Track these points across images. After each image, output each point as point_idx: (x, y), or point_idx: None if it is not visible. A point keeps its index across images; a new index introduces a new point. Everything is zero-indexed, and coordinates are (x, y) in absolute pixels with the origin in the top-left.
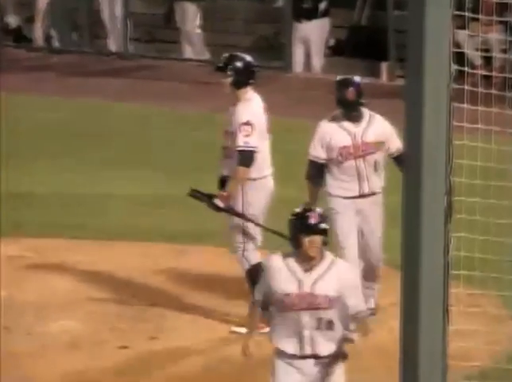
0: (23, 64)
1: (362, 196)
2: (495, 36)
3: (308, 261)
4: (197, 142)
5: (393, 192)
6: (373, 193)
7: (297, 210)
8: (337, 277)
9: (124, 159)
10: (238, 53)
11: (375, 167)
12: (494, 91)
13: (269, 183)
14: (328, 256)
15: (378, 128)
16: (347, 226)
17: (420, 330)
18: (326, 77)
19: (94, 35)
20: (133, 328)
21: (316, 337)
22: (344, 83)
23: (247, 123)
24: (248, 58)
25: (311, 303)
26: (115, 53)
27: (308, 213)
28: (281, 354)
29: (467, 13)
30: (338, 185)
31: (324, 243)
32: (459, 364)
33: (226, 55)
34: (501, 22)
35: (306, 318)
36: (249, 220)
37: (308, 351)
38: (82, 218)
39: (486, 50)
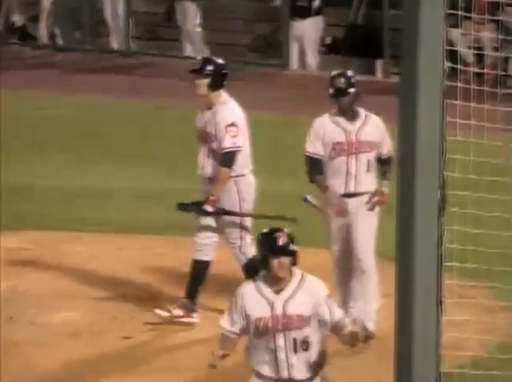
0: (28, 62)
1: (347, 195)
2: (487, 34)
3: (277, 282)
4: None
5: (389, 186)
6: (361, 194)
7: (265, 230)
8: (309, 293)
9: (124, 154)
10: (212, 57)
11: (368, 166)
12: (486, 88)
13: (252, 178)
14: (297, 273)
15: (373, 128)
16: (335, 225)
17: (414, 321)
18: (322, 74)
19: (96, 33)
20: (134, 319)
21: (292, 361)
22: (337, 75)
23: (233, 125)
24: (221, 61)
25: (285, 324)
26: (117, 51)
27: (276, 234)
28: (258, 375)
29: (459, 12)
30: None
31: (293, 264)
32: (451, 354)
33: (200, 58)
34: (493, 21)
35: (281, 341)
36: (242, 215)
37: (284, 375)
38: (82, 211)
39: (479, 48)
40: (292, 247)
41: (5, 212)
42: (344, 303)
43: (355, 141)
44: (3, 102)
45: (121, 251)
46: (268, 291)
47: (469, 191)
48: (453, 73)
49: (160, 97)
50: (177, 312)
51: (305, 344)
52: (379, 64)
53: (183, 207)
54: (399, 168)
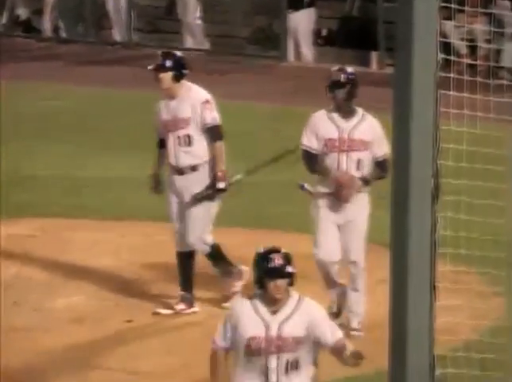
0: (32, 54)
1: None
2: (480, 27)
3: (274, 303)
4: None
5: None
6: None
7: (261, 250)
8: (305, 315)
9: (126, 144)
10: (170, 51)
11: (358, 165)
12: (478, 79)
13: None
14: (295, 295)
15: (368, 128)
16: (324, 224)
17: (408, 306)
18: (320, 66)
19: (99, 26)
20: (137, 304)
21: (282, 380)
22: (336, 70)
23: (208, 102)
24: (180, 54)
25: (279, 347)
26: (120, 43)
27: (272, 255)
28: None
29: (453, 5)
30: (318, 178)
31: (290, 284)
32: (445, 338)
33: (160, 53)
34: (485, 14)
35: (274, 363)
36: (250, 171)
37: None
38: (84, 200)
39: (472, 40)
40: (289, 268)
41: (9, 201)
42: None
43: (347, 138)
44: (7, 93)
45: (123, 238)
46: (264, 311)
47: (462, 179)
48: (447, 64)
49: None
50: (180, 307)
51: (297, 364)
52: (374, 55)
53: (197, 199)
54: (393, 157)
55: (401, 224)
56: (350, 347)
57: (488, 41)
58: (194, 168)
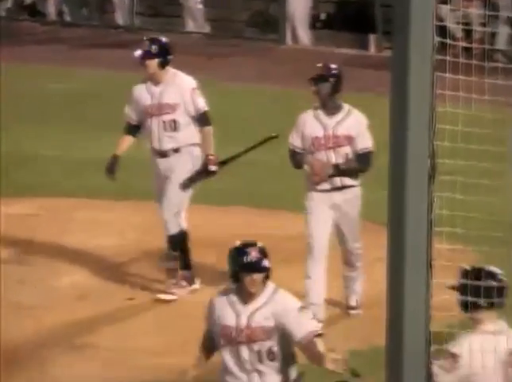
0: (37, 37)
1: (334, 189)
2: (475, 10)
3: (249, 296)
4: None
5: (382, 155)
6: (346, 186)
7: (237, 245)
8: (276, 306)
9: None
10: (156, 37)
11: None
12: (474, 62)
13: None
14: (270, 286)
15: (352, 123)
16: (315, 220)
17: (405, 283)
18: (318, 49)
19: (102, 10)
20: (139, 283)
21: (261, 370)
22: (320, 65)
23: (195, 88)
24: (165, 40)
25: (248, 336)
26: (122, 27)
27: (248, 249)
28: None
29: None
30: (308, 174)
31: (266, 278)
32: (441, 315)
33: (145, 39)
34: None
35: (246, 353)
36: (234, 157)
37: None
38: (85, 180)
39: (467, 24)
40: (265, 262)
41: (11, 181)
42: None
43: (332, 135)
44: (11, 75)
45: (125, 218)
46: (237, 302)
47: (457, 159)
48: (442, 48)
49: None
50: (180, 289)
51: (271, 355)
52: (372, 39)
53: (189, 183)
54: (391, 137)
55: (398, 203)
56: (320, 346)
57: (483, 25)
58: (177, 150)
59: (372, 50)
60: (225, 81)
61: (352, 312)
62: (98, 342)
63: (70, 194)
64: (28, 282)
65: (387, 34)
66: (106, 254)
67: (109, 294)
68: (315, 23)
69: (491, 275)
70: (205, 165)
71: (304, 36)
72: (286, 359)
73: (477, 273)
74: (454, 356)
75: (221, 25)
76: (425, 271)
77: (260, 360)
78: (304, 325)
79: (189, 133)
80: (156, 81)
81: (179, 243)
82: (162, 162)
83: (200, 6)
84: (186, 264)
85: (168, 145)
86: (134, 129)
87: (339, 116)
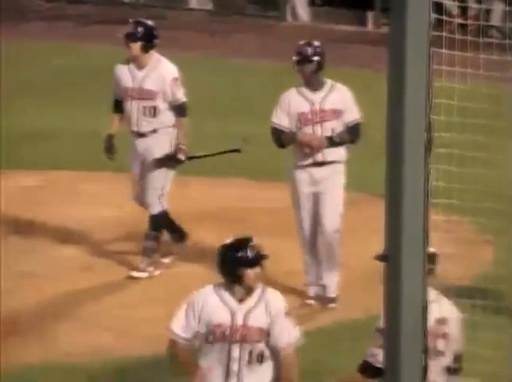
0: (43, 14)
1: (316, 164)
2: None
3: (241, 292)
4: (199, 87)
5: (380, 129)
6: (329, 162)
7: (230, 241)
8: (269, 307)
9: None
10: (142, 20)
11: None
12: (469, 38)
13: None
14: (259, 285)
15: (337, 97)
16: (302, 208)
17: (402, 252)
18: (319, 26)
19: None
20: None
21: (243, 372)
22: (302, 44)
23: (177, 79)
24: (151, 23)
25: (243, 336)
26: (127, 3)
27: (249, 244)
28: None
29: None
30: (296, 151)
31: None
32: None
33: (131, 21)
34: None
35: (237, 352)
36: (202, 156)
37: None
38: (93, 154)
39: (463, 1)
40: (264, 256)
41: (14, 154)
42: (314, 271)
43: (319, 110)
44: (16, 52)
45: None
46: (230, 299)
47: (453, 133)
48: (439, 24)
49: (166, 47)
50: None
51: (261, 358)
52: (370, 15)
53: (159, 162)
54: (388, 112)
55: (395, 175)
56: (293, 365)
57: (478, 1)
58: (155, 131)
59: (370, 27)
60: (227, 57)
61: (331, 306)
62: (98, 311)
63: (71, 167)
64: (30, 253)
65: (385, 11)
66: (107, 226)
67: (110, 265)
68: (314, 0)
69: None
70: (175, 153)
71: (304, 13)
72: (273, 364)
73: None
74: (381, 331)
75: (223, 3)
76: (422, 242)
77: (249, 361)
78: (286, 333)
79: (167, 116)
80: (139, 65)
81: (161, 223)
82: (140, 143)
83: None
84: (180, 236)
85: (146, 128)
86: (122, 105)
87: (323, 91)
